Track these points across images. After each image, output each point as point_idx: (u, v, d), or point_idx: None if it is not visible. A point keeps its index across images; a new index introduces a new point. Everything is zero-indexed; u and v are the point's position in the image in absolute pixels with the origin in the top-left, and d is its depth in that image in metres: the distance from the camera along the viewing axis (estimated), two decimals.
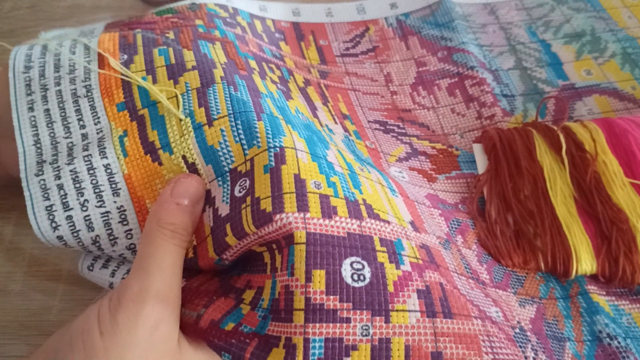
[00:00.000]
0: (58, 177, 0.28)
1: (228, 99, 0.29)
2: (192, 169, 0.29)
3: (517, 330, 0.26)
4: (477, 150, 0.37)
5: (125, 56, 0.33)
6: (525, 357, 0.24)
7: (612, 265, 0.30)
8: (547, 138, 0.35)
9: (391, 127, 0.39)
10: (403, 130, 0.39)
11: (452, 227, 0.31)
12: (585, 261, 0.30)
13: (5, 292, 0.33)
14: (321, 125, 0.35)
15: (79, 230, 0.28)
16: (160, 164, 0.29)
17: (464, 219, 0.33)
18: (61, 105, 0.31)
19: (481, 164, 0.36)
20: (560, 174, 0.33)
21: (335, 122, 0.37)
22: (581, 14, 0.47)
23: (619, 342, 0.28)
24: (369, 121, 0.39)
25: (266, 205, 0.24)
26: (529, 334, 0.27)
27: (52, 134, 0.30)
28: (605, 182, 0.32)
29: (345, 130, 0.37)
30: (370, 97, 0.42)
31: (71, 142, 0.30)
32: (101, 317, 0.23)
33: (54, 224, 0.28)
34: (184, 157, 0.28)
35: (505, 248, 0.32)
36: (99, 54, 0.33)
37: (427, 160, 0.37)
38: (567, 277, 0.31)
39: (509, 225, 0.32)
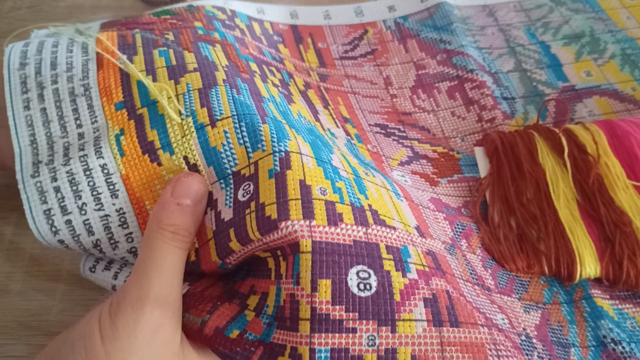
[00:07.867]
0: (54, 179, 0.28)
1: (231, 101, 0.29)
2: (194, 170, 0.28)
3: (523, 337, 0.26)
4: (479, 153, 0.36)
5: (125, 56, 0.32)
6: None
7: (616, 269, 0.30)
8: (549, 141, 0.35)
9: (392, 131, 0.39)
10: (404, 134, 0.39)
11: (456, 231, 0.31)
12: (589, 265, 0.30)
13: (5, 292, 0.33)
14: (323, 129, 0.35)
15: (79, 235, 0.27)
16: (159, 164, 0.28)
17: (467, 222, 0.33)
18: (58, 104, 0.30)
19: (483, 167, 0.36)
20: (563, 177, 0.33)
21: (337, 126, 0.37)
22: (580, 15, 0.47)
23: (623, 347, 0.28)
24: (369, 124, 0.39)
25: (271, 211, 0.24)
26: (534, 341, 0.27)
27: (48, 134, 0.30)
28: (608, 184, 0.32)
29: (347, 133, 0.37)
30: (370, 100, 0.41)
31: (67, 142, 0.29)
32: (102, 322, 0.23)
33: (53, 229, 0.27)
34: (185, 157, 0.28)
35: (509, 252, 0.31)
36: (98, 53, 0.32)
37: (429, 163, 0.37)
38: (571, 281, 0.30)
39: (512, 229, 0.32)
